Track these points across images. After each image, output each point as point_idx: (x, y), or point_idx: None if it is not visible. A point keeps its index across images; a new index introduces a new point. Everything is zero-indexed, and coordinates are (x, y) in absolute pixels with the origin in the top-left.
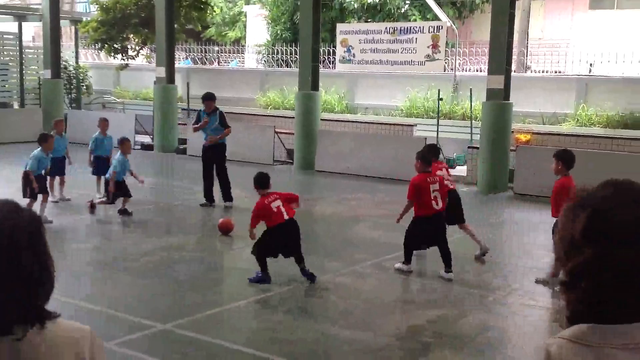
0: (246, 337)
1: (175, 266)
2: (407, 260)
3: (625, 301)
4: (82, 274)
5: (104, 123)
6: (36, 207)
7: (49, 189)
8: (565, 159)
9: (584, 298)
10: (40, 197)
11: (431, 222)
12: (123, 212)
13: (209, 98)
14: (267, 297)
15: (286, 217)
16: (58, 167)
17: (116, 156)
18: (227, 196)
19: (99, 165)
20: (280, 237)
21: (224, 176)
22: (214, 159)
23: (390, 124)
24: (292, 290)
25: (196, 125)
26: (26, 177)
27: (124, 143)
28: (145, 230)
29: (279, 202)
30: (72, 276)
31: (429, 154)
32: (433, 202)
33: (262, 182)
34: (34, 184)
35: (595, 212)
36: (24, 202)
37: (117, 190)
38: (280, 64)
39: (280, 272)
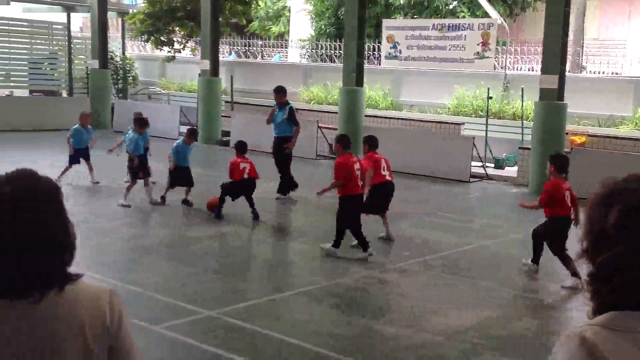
0: (290, 327)
1: (220, 255)
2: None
3: None
4: (129, 259)
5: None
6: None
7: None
8: (557, 163)
9: (617, 290)
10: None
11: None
12: (185, 201)
13: (278, 90)
14: (312, 289)
15: None
16: (80, 157)
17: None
18: (282, 189)
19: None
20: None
21: (286, 169)
22: (279, 151)
23: (437, 122)
24: (338, 284)
25: (267, 117)
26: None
27: (192, 134)
28: (190, 219)
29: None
30: (119, 260)
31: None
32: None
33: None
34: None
35: (628, 207)
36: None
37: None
38: (324, 59)
39: (326, 266)
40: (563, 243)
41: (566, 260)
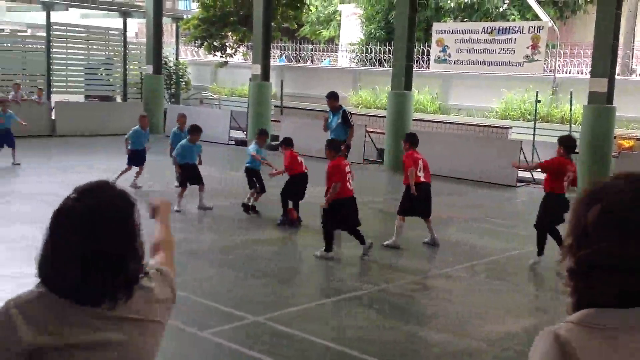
0: (335, 334)
1: (265, 260)
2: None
3: (634, 290)
4: (176, 263)
5: (182, 119)
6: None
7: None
8: (566, 144)
9: (593, 286)
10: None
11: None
12: (251, 208)
13: (330, 96)
14: (357, 295)
15: None
16: (138, 158)
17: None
18: None
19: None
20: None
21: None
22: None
23: (484, 126)
24: (383, 290)
25: (323, 125)
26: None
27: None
28: (236, 224)
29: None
30: None
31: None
32: (348, 184)
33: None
34: (177, 170)
35: (608, 206)
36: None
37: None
38: (374, 63)
39: (370, 272)
40: (556, 220)
41: (540, 239)
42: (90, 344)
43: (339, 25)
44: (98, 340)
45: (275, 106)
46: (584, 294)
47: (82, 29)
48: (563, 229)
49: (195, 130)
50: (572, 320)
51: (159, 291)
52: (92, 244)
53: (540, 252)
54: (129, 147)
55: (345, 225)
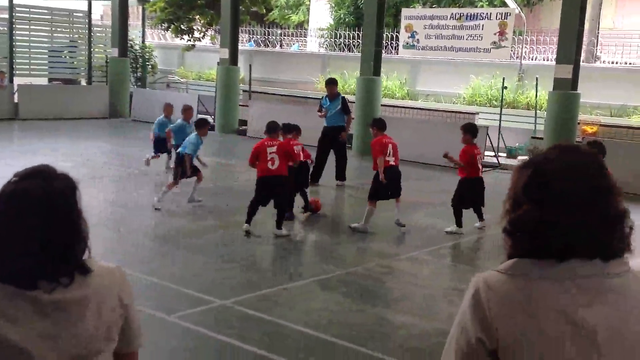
0: (304, 317)
1: (234, 244)
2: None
3: (550, 248)
4: (145, 248)
5: (168, 108)
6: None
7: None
8: (470, 130)
9: (518, 244)
10: (194, 177)
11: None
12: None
13: (331, 82)
14: (325, 279)
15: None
16: (160, 146)
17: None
18: (341, 175)
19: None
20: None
21: (344, 156)
22: (334, 141)
23: (452, 112)
24: (351, 273)
25: (319, 113)
26: (181, 160)
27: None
28: (206, 209)
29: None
30: (135, 250)
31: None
32: (269, 162)
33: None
34: (188, 167)
35: (536, 172)
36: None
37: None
38: (343, 48)
39: (339, 255)
40: (467, 201)
41: (456, 214)
42: (18, 339)
43: (308, 10)
44: (30, 336)
45: (244, 90)
46: (512, 249)
47: (46, 11)
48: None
49: (206, 123)
50: (497, 268)
51: (110, 285)
52: (32, 228)
53: (459, 225)
54: (154, 133)
55: (266, 202)
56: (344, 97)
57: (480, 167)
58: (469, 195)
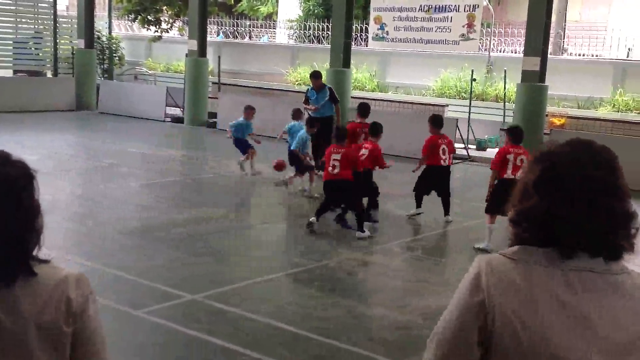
0: (275, 311)
1: (205, 238)
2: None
3: (555, 241)
4: (113, 242)
5: (250, 111)
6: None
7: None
8: (437, 122)
9: (524, 234)
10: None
11: None
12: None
13: (314, 76)
14: (296, 272)
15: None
16: (242, 146)
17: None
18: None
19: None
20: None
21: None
22: (323, 131)
23: (421, 104)
24: (321, 267)
25: (307, 106)
26: (295, 156)
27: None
28: (175, 202)
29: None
30: (102, 243)
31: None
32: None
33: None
34: (305, 161)
35: (548, 166)
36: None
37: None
38: (312, 40)
39: (311, 249)
40: (425, 187)
41: (417, 198)
42: None
43: (277, 2)
44: None
45: (213, 83)
46: (517, 238)
47: (10, 1)
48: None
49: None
50: (502, 252)
51: (61, 292)
52: None
53: (418, 206)
54: (232, 135)
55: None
56: (330, 87)
57: (443, 156)
58: (429, 182)
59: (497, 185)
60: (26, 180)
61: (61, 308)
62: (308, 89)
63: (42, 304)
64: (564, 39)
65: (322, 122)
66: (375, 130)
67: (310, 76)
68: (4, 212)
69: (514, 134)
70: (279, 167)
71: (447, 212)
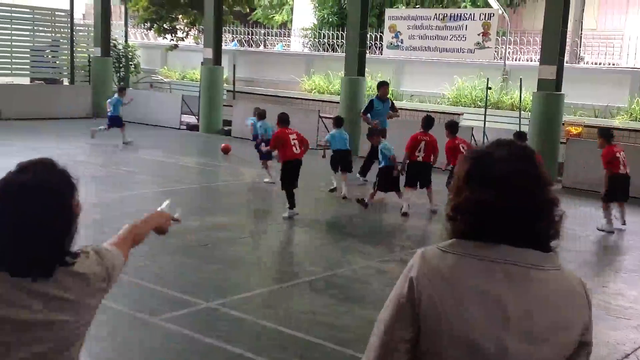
0: (290, 319)
1: (220, 245)
2: (292, 204)
3: (483, 229)
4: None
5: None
6: None
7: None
8: (428, 123)
9: (458, 227)
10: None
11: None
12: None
13: (383, 84)
14: (311, 280)
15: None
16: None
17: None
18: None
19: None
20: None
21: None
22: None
23: (436, 112)
24: (337, 275)
25: (368, 121)
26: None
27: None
28: (190, 209)
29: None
30: None
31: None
32: (293, 148)
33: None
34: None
35: (475, 161)
36: None
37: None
38: (327, 48)
39: (325, 256)
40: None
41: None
42: (11, 321)
43: (292, 10)
44: (26, 318)
45: (228, 91)
46: (453, 232)
47: (28, 10)
48: None
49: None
50: (438, 245)
51: (92, 272)
52: (24, 217)
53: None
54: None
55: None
56: (391, 99)
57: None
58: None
59: (610, 179)
60: (68, 188)
61: (96, 282)
62: (372, 99)
63: (82, 286)
64: (580, 47)
65: (382, 133)
66: (430, 123)
67: (378, 85)
68: (49, 217)
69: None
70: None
71: None
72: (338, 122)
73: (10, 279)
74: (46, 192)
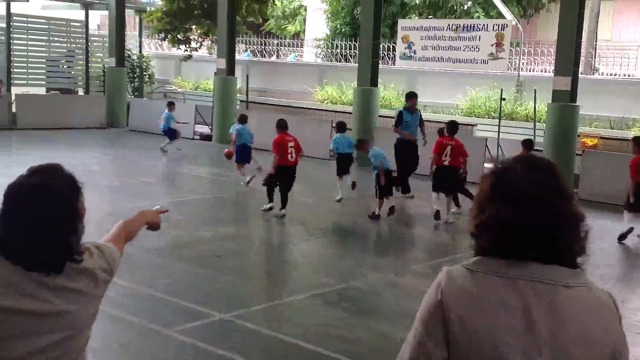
0: (304, 331)
1: (233, 256)
2: (270, 198)
3: (508, 246)
4: (143, 260)
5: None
6: None
7: None
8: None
9: (483, 245)
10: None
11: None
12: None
13: (412, 96)
14: (324, 292)
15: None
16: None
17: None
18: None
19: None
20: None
21: (410, 172)
22: (412, 154)
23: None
24: (350, 287)
25: (401, 133)
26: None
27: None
28: (204, 220)
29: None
30: (132, 261)
31: (283, 125)
32: (289, 155)
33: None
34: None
35: (497, 178)
36: None
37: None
38: (339, 58)
39: (338, 269)
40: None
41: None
42: (29, 312)
43: (304, 20)
44: (39, 309)
45: (241, 101)
46: (478, 249)
47: (43, 21)
48: None
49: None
50: (463, 263)
51: (97, 266)
52: (33, 218)
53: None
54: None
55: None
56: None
57: (443, 158)
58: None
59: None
60: (74, 191)
61: (101, 274)
62: (401, 111)
63: (89, 279)
64: (595, 58)
65: (413, 145)
66: (455, 128)
67: (406, 97)
68: (57, 218)
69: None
70: (229, 155)
71: (456, 204)
72: (341, 127)
73: (24, 272)
74: (54, 194)
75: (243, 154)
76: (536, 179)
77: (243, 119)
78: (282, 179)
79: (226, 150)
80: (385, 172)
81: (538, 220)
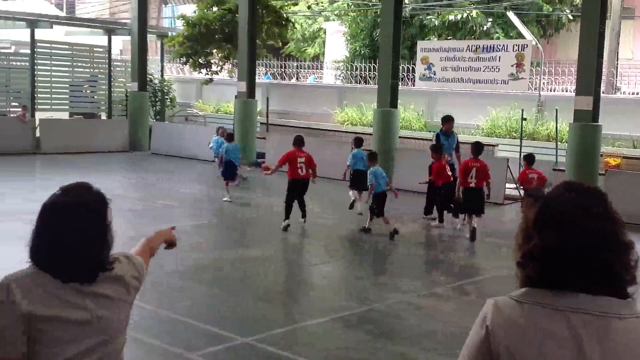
0: (325, 355)
1: (254, 279)
2: (287, 215)
3: (555, 276)
4: (164, 283)
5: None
6: None
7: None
8: (297, 141)
9: (530, 275)
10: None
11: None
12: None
13: (449, 119)
14: (345, 315)
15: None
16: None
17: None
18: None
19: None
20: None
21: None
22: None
23: (470, 144)
24: (371, 310)
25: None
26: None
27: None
28: (225, 242)
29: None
30: (154, 285)
31: (298, 141)
32: (299, 170)
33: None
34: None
35: (543, 206)
36: None
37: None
38: (359, 80)
39: (359, 291)
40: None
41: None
42: (72, 319)
43: (324, 43)
44: (78, 317)
45: (261, 123)
46: (525, 279)
47: (67, 46)
48: None
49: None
50: (510, 294)
51: (127, 273)
52: (69, 232)
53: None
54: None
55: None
56: (455, 133)
57: (469, 180)
58: (292, 193)
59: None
60: (103, 206)
61: (131, 281)
62: (438, 134)
63: (121, 285)
64: (616, 77)
65: (451, 168)
66: (480, 149)
67: (442, 120)
68: (90, 232)
69: None
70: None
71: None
72: (358, 142)
73: (62, 283)
74: (87, 210)
75: (228, 171)
76: (583, 204)
77: (230, 137)
78: (294, 193)
79: (263, 164)
80: (379, 194)
81: (585, 246)
